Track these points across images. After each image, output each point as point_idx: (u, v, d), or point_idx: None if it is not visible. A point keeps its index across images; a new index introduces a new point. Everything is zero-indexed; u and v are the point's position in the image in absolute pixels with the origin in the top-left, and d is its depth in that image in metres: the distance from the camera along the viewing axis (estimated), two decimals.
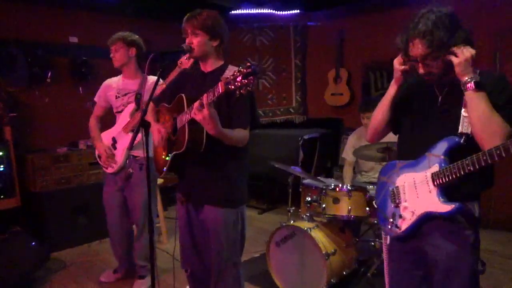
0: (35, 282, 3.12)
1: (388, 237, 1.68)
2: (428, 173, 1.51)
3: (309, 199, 2.92)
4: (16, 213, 3.58)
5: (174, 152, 1.91)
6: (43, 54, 4.10)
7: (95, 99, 3.00)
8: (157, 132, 2.03)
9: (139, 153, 2.78)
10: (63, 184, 3.84)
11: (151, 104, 2.12)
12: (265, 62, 5.53)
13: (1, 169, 3.55)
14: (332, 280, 2.67)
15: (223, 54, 2.05)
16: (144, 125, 1.85)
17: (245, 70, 1.51)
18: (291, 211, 3.17)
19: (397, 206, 1.62)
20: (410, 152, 1.64)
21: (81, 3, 4.36)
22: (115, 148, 2.86)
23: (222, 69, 1.96)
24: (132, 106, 2.79)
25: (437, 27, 1.41)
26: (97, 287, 3.08)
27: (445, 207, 1.45)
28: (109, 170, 2.87)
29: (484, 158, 1.32)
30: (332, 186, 2.85)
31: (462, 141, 1.46)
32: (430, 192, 1.50)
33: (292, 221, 2.87)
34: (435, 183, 1.48)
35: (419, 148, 1.58)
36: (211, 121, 1.67)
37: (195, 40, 1.93)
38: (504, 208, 3.92)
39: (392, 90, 1.67)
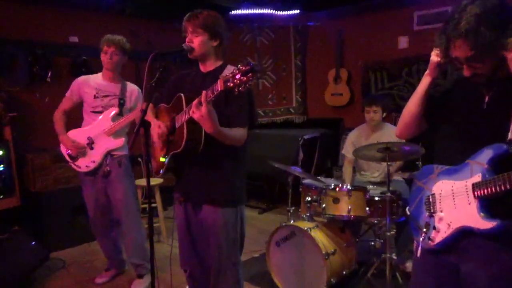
0: (35, 282, 3.12)
1: (420, 249, 1.50)
2: (469, 183, 1.35)
3: (309, 199, 2.92)
4: (16, 213, 3.59)
5: (172, 152, 1.91)
6: (43, 54, 4.10)
7: (67, 94, 2.97)
8: (156, 127, 2.02)
9: (118, 152, 2.86)
10: (63, 184, 3.83)
11: (150, 104, 2.12)
12: (265, 62, 5.53)
13: (1, 169, 3.55)
14: (332, 280, 2.67)
15: (222, 54, 2.06)
16: (144, 125, 1.85)
17: (244, 68, 1.51)
18: (291, 211, 3.17)
19: (431, 215, 1.46)
20: (450, 157, 1.47)
21: (81, 3, 4.36)
22: (91, 148, 2.86)
23: (221, 69, 1.96)
24: (114, 110, 2.85)
25: (482, 24, 1.23)
26: (98, 287, 3.08)
27: (485, 224, 1.28)
28: (83, 169, 2.86)
29: None
30: (332, 186, 2.85)
31: (510, 149, 1.28)
32: (469, 204, 1.34)
33: (292, 221, 2.88)
34: (475, 194, 1.32)
35: (461, 153, 1.41)
36: (209, 119, 1.67)
37: (196, 39, 1.93)
38: None
39: (425, 81, 1.53)
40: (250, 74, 1.50)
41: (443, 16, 4.03)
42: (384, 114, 3.36)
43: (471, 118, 1.44)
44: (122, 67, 2.93)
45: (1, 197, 3.50)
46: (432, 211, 1.46)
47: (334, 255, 2.69)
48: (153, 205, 3.96)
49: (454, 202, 1.39)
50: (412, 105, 1.59)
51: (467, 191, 1.35)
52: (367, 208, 2.80)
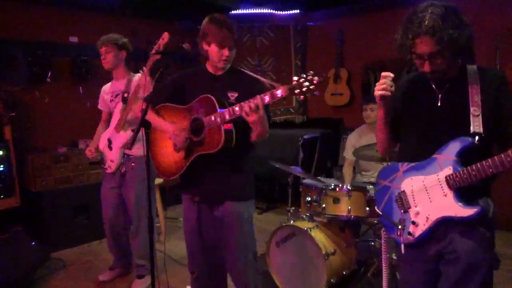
0: (35, 282, 3.12)
1: (402, 246, 1.57)
2: (441, 176, 1.44)
3: (309, 199, 2.92)
4: (16, 212, 3.59)
5: (199, 153, 1.93)
6: (43, 54, 4.10)
7: (99, 107, 3.10)
8: (179, 132, 1.96)
9: (133, 152, 2.82)
10: (63, 184, 3.84)
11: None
12: (265, 62, 5.53)
13: (1, 168, 3.55)
14: (332, 280, 2.67)
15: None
16: (144, 125, 1.85)
17: (311, 78, 1.60)
18: (291, 211, 3.17)
19: (406, 211, 1.54)
20: (414, 154, 1.57)
21: (81, 3, 4.36)
22: (110, 149, 2.89)
23: (233, 71, 2.05)
24: (120, 105, 2.85)
25: (446, 23, 1.34)
26: (97, 287, 3.08)
27: (465, 211, 1.39)
28: (108, 170, 2.91)
29: (509, 159, 1.27)
30: (332, 186, 2.85)
31: (476, 141, 1.39)
32: (445, 195, 1.43)
33: (292, 221, 2.87)
34: (451, 186, 1.41)
35: (424, 149, 1.51)
36: (264, 122, 1.80)
37: (232, 53, 1.98)
38: (504, 209, 3.91)
39: (380, 114, 1.64)
40: (316, 83, 1.60)
41: None
42: None
43: (427, 116, 1.54)
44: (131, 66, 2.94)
45: (1, 197, 3.51)
46: (406, 207, 1.54)
47: (334, 255, 2.69)
48: (155, 205, 3.96)
49: (428, 196, 1.47)
50: (380, 132, 1.70)
51: (440, 184, 1.44)
52: (367, 208, 2.79)
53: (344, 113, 5.13)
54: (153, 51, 2.23)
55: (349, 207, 2.76)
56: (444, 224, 1.46)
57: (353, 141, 3.48)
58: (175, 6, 4.53)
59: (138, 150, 2.77)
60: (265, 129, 1.87)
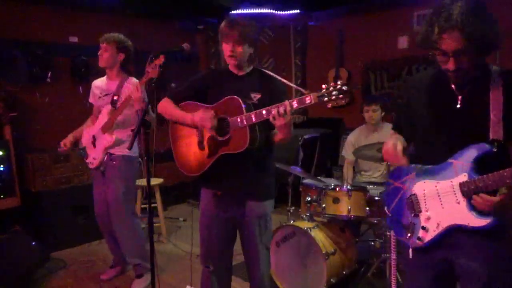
0: (35, 282, 3.12)
1: (410, 250, 1.52)
2: (455, 182, 1.36)
3: (309, 199, 2.92)
4: (16, 213, 3.59)
5: (224, 152, 1.97)
6: (43, 54, 4.10)
7: (89, 100, 3.10)
8: (209, 118, 1.95)
9: (115, 151, 2.85)
10: (63, 184, 3.84)
11: (170, 100, 2.14)
12: (265, 62, 5.53)
13: (1, 168, 3.55)
14: (332, 280, 2.67)
15: (253, 60, 2.14)
16: (144, 125, 1.85)
17: (340, 87, 1.60)
18: (291, 211, 3.17)
19: (416, 215, 1.47)
20: (428, 157, 1.49)
21: (81, 3, 4.36)
22: (94, 146, 2.92)
23: (256, 73, 2.11)
24: (109, 107, 2.85)
25: (476, 18, 1.24)
26: (97, 286, 3.08)
27: (478, 221, 1.31)
28: (90, 166, 2.96)
29: None
30: (332, 186, 2.85)
31: (494, 149, 1.30)
32: (458, 203, 1.35)
33: (292, 221, 2.88)
34: (464, 193, 1.33)
35: (439, 152, 1.43)
36: (290, 127, 1.84)
37: (239, 49, 1.99)
38: None
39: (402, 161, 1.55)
40: (345, 94, 1.60)
41: None
42: (383, 114, 3.36)
43: (445, 118, 1.45)
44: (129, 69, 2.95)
45: (1, 197, 3.50)
46: (416, 211, 1.47)
47: (334, 255, 2.69)
48: (153, 205, 3.97)
49: (440, 202, 1.40)
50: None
51: (454, 190, 1.36)
52: (367, 208, 2.80)
53: (344, 113, 5.13)
54: (149, 72, 2.19)
55: (349, 207, 2.76)
56: (455, 232, 1.39)
57: (353, 141, 3.49)
58: (175, 6, 4.53)
59: (122, 150, 2.84)
60: (290, 133, 1.92)
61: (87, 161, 2.99)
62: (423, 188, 1.46)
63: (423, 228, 1.44)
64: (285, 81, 2.12)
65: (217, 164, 2.02)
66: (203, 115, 1.96)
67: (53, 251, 3.60)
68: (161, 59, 2.12)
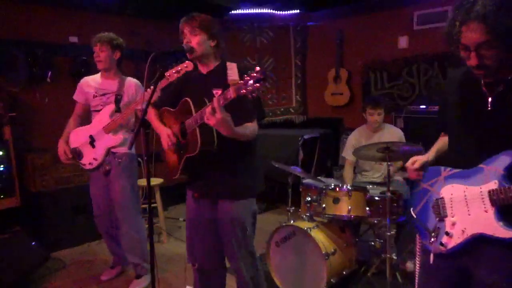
0: (35, 282, 3.12)
1: (432, 256, 1.46)
2: (484, 189, 1.30)
3: (309, 199, 2.92)
4: (16, 213, 3.58)
5: (186, 155, 1.96)
6: (43, 54, 4.10)
7: (75, 97, 3.02)
8: (166, 136, 2.04)
9: (119, 149, 2.83)
10: (63, 184, 3.84)
11: (153, 108, 2.17)
12: (265, 62, 5.53)
13: (1, 168, 3.55)
14: (332, 280, 2.67)
15: (220, 56, 2.09)
16: (144, 125, 1.85)
17: (256, 75, 1.55)
18: (291, 211, 3.17)
19: (442, 220, 1.41)
20: (458, 160, 1.43)
21: (81, 3, 4.36)
22: (93, 146, 2.86)
23: (221, 67, 1.99)
24: (111, 107, 2.82)
25: (501, 9, 1.15)
26: (97, 287, 3.08)
27: (505, 233, 1.25)
28: (87, 167, 2.90)
29: None
30: (332, 186, 2.85)
31: None
32: (486, 211, 1.29)
33: (292, 221, 2.87)
34: (493, 202, 1.27)
35: (470, 156, 1.37)
36: (225, 124, 1.72)
37: (195, 40, 1.96)
38: None
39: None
40: (261, 81, 1.55)
41: (443, 16, 4.04)
42: (384, 114, 3.38)
43: (475, 120, 1.39)
44: (122, 67, 2.93)
45: (1, 197, 3.50)
46: (442, 215, 1.41)
47: (334, 255, 2.69)
48: (153, 205, 3.96)
49: (467, 208, 1.34)
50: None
51: (482, 198, 1.30)
52: (367, 208, 2.80)
53: (344, 113, 5.13)
54: (170, 76, 2.12)
55: (349, 207, 2.76)
56: (480, 241, 1.32)
57: (353, 141, 3.48)
58: (175, 6, 4.53)
59: (125, 148, 2.83)
60: (229, 131, 1.76)
61: (82, 162, 2.91)
62: (450, 192, 1.41)
63: (447, 233, 1.39)
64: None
65: (196, 164, 2.01)
66: (163, 133, 2.02)
67: (53, 251, 3.60)
68: (188, 66, 2.07)
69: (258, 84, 1.54)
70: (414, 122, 3.97)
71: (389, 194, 2.68)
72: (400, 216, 2.85)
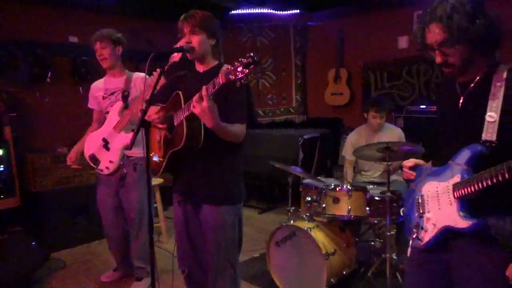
0: (35, 282, 3.12)
1: (409, 249, 1.55)
2: (450, 184, 1.38)
3: (309, 199, 2.92)
4: (16, 213, 3.58)
5: (171, 150, 1.91)
6: (43, 54, 4.10)
7: (89, 105, 2.99)
8: (155, 131, 2.01)
9: (134, 152, 2.73)
10: (63, 184, 3.84)
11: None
12: (265, 62, 5.53)
13: (1, 169, 3.55)
14: (332, 280, 2.66)
15: (218, 54, 2.06)
16: (144, 125, 1.85)
17: (245, 60, 1.51)
18: (291, 211, 3.17)
19: (421, 216, 1.50)
20: (436, 158, 1.54)
21: (81, 3, 4.37)
22: (107, 149, 2.76)
23: (219, 68, 1.96)
24: (119, 104, 2.74)
25: (455, 11, 1.29)
26: (97, 287, 3.08)
27: (463, 223, 1.31)
28: (105, 172, 2.77)
29: (502, 172, 1.17)
30: (332, 186, 2.85)
31: (485, 150, 1.30)
32: (451, 204, 1.37)
33: (292, 221, 2.87)
34: (455, 194, 1.35)
35: (443, 154, 1.46)
36: (210, 113, 1.66)
37: (195, 39, 1.93)
38: None
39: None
40: (252, 66, 1.51)
41: None
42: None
43: (449, 120, 1.50)
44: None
45: (1, 197, 3.50)
46: (421, 211, 1.50)
47: (334, 255, 2.69)
48: (153, 205, 3.96)
49: (439, 203, 1.43)
50: None
51: (448, 192, 1.39)
52: (367, 208, 2.80)
53: (344, 113, 5.13)
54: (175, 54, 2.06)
55: (349, 207, 2.76)
56: (453, 235, 1.39)
57: (353, 141, 3.49)
58: (175, 6, 4.53)
59: (139, 151, 2.68)
60: (214, 123, 1.69)
61: (99, 168, 2.78)
62: (428, 189, 1.49)
63: (423, 228, 1.47)
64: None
65: (175, 164, 1.97)
66: (150, 111, 1.94)
67: (53, 251, 3.60)
68: (175, 57, 2.02)
69: (247, 70, 1.51)
70: (414, 122, 3.98)
71: (389, 194, 2.68)
72: (400, 216, 2.84)
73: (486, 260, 1.35)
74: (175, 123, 1.90)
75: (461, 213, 1.33)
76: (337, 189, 2.83)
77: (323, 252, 2.61)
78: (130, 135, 2.66)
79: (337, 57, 5.03)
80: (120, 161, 2.72)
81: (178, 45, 1.94)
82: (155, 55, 1.87)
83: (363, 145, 3.03)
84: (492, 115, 1.31)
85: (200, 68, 2.06)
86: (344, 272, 2.80)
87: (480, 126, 1.33)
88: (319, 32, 5.33)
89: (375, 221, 2.93)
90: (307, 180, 3.11)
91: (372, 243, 3.03)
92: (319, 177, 3.22)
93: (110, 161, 2.73)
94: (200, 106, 1.65)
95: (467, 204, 1.34)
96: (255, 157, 4.28)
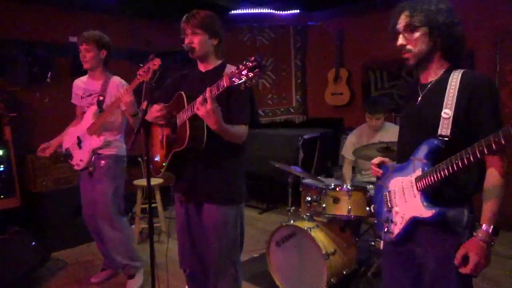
0: (35, 282, 3.12)
1: (382, 243, 1.67)
2: (413, 178, 1.48)
3: (309, 199, 2.92)
4: (16, 213, 3.59)
5: (174, 150, 1.91)
6: (43, 54, 4.10)
7: (72, 101, 3.02)
8: (155, 111, 1.97)
9: (105, 151, 2.80)
10: (63, 184, 3.84)
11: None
12: (265, 62, 5.53)
13: (1, 169, 3.55)
14: (332, 280, 2.67)
15: (221, 53, 2.06)
16: (144, 125, 1.85)
17: (250, 64, 1.51)
18: (291, 211, 3.17)
19: (390, 210, 1.59)
20: (400, 155, 1.63)
21: (81, 3, 4.36)
22: (80, 148, 2.84)
23: (221, 68, 1.97)
24: (93, 108, 2.79)
25: (425, 4, 1.45)
26: (97, 287, 3.08)
27: (426, 212, 1.41)
28: (76, 168, 2.87)
29: (457, 162, 1.28)
30: (332, 186, 2.85)
31: (441, 144, 1.40)
32: (415, 196, 1.47)
33: (292, 221, 2.87)
34: (418, 187, 1.45)
35: (406, 151, 1.55)
36: (214, 115, 1.67)
37: (196, 39, 1.94)
38: (503, 208, 3.91)
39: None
40: (257, 70, 1.51)
41: None
42: (386, 115, 3.38)
43: (410, 116, 1.60)
44: (121, 67, 2.92)
45: (1, 197, 3.50)
46: (390, 206, 1.59)
47: (334, 255, 2.69)
48: (153, 205, 3.97)
49: (404, 197, 1.52)
50: None
51: (412, 185, 1.48)
52: (367, 208, 2.79)
53: (344, 113, 5.13)
54: (141, 76, 2.03)
55: (349, 207, 2.76)
56: (420, 227, 1.49)
57: (354, 141, 3.48)
58: (175, 6, 4.53)
59: (110, 150, 2.81)
60: (217, 125, 1.70)
61: (72, 162, 2.89)
62: (394, 185, 1.59)
63: (392, 221, 1.57)
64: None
65: (177, 164, 1.98)
66: (151, 109, 1.94)
67: (53, 251, 3.60)
68: (156, 63, 1.95)
69: (252, 73, 1.51)
70: None
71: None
72: None
73: (444, 242, 1.46)
74: (178, 124, 1.90)
75: (425, 203, 1.43)
76: (337, 189, 2.83)
77: (323, 252, 2.61)
78: (101, 138, 2.76)
79: (337, 57, 5.03)
80: (89, 162, 2.80)
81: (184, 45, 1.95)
82: (155, 56, 1.87)
83: (363, 145, 3.03)
84: (447, 112, 1.41)
85: (202, 67, 2.06)
86: (344, 272, 2.80)
87: (437, 122, 1.43)
88: (319, 32, 5.33)
89: (375, 221, 2.92)
90: (307, 180, 3.11)
91: (372, 243, 3.03)
92: (319, 177, 3.22)
93: (81, 160, 2.83)
94: (204, 108, 1.66)
95: (429, 196, 1.44)
96: (255, 157, 4.29)
